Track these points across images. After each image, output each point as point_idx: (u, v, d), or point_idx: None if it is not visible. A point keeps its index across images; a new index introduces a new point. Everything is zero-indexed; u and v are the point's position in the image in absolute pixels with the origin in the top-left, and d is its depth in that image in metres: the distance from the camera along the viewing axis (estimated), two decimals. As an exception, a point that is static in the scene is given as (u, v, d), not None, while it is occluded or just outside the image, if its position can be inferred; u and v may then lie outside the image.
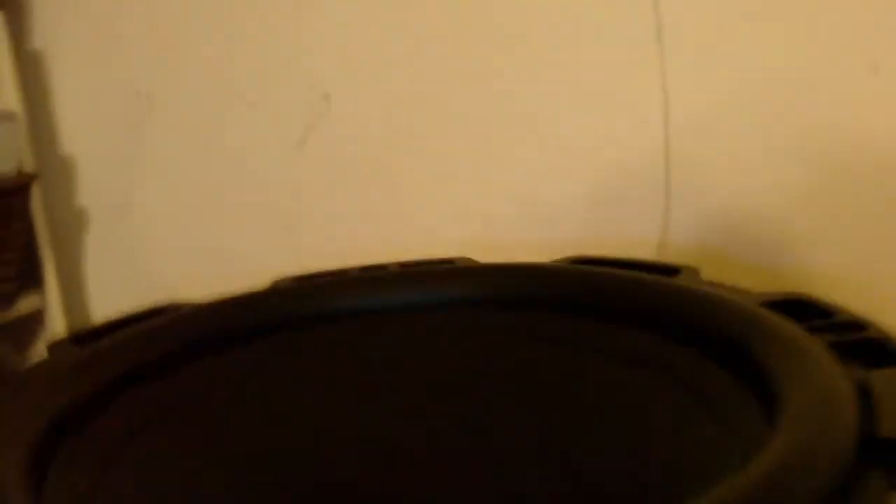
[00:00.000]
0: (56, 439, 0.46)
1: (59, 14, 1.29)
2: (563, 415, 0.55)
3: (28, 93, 1.27)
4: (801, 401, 0.41)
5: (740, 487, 0.35)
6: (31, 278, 1.29)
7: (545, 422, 0.55)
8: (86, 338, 0.57)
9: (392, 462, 0.55)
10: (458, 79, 1.05)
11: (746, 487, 0.35)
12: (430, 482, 0.54)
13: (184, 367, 0.55)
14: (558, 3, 0.97)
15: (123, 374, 0.52)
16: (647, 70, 0.93)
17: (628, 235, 0.96)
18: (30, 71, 1.29)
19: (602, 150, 0.97)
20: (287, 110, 1.15)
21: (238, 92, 1.18)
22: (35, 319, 1.29)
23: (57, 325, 1.30)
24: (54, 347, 0.57)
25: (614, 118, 0.96)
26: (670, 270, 0.59)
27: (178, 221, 1.28)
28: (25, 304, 1.27)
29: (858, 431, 0.39)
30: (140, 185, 1.29)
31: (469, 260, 0.65)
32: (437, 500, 0.53)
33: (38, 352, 1.28)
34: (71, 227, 1.34)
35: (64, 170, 1.33)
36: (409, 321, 0.60)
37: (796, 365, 0.44)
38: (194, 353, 0.56)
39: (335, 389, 0.58)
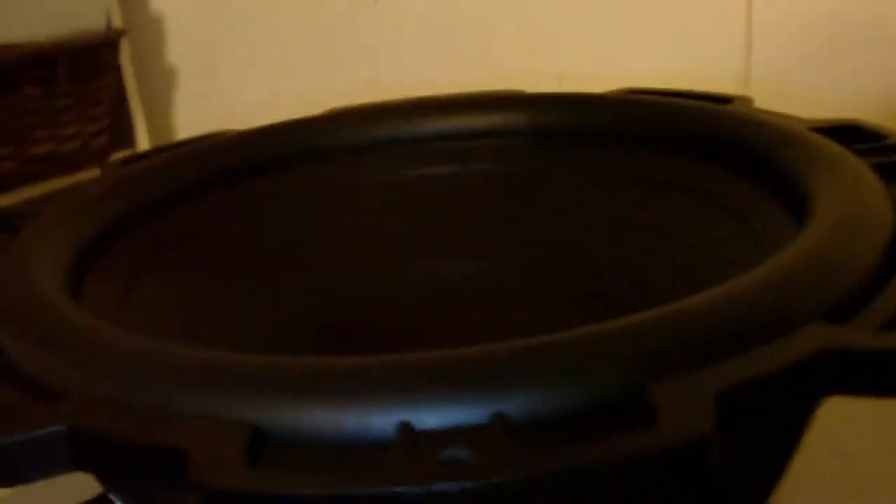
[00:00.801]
0: (91, 253, 0.47)
1: None
2: (589, 237, 0.54)
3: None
4: (830, 210, 0.39)
5: (747, 283, 0.34)
6: (121, 133, 1.32)
7: (570, 244, 0.54)
8: (134, 160, 0.58)
9: (414, 292, 0.55)
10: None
11: (757, 283, 0.34)
12: (453, 311, 0.54)
13: (217, 191, 0.55)
14: None
15: (157, 195, 0.53)
16: None
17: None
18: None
19: None
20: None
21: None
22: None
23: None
24: (105, 168, 0.58)
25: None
26: (723, 100, 0.57)
27: (263, 77, 1.29)
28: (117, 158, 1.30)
29: (890, 240, 0.37)
30: (227, 42, 1.30)
31: (520, 92, 0.63)
32: (461, 325, 0.53)
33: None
34: (160, 83, 1.36)
35: (152, 26, 1.34)
36: (449, 151, 0.59)
37: (833, 180, 0.42)
38: (231, 177, 0.56)
39: (361, 221, 0.58)
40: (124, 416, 0.30)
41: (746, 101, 0.57)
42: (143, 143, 1.32)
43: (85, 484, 0.34)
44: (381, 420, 0.29)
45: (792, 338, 0.31)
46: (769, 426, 0.35)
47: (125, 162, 0.57)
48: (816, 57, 0.85)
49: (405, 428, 0.28)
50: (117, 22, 1.28)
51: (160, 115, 1.37)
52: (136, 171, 0.54)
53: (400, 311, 0.54)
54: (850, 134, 0.50)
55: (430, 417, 0.29)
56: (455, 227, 0.57)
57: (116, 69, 1.28)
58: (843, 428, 0.48)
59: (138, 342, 0.34)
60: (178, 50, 1.34)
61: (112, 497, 0.35)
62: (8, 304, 0.39)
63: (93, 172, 1.21)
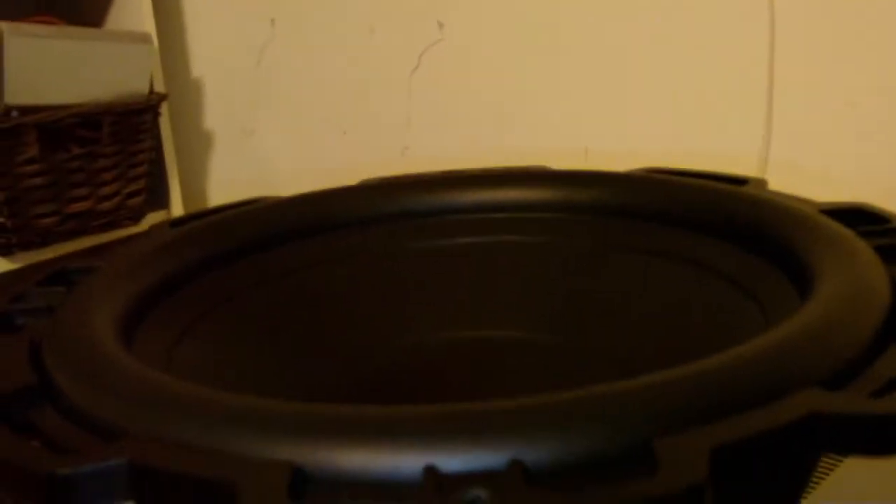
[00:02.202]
0: (142, 308, 0.51)
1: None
2: (607, 304, 0.57)
3: (161, 16, 1.34)
4: (831, 286, 0.42)
5: (750, 352, 0.37)
6: (157, 195, 1.37)
7: (591, 311, 0.57)
8: (182, 222, 0.62)
9: (443, 352, 0.58)
10: (569, 6, 1.06)
11: (757, 352, 0.37)
12: (481, 372, 0.57)
13: (258, 254, 0.59)
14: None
15: (202, 256, 0.57)
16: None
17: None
18: (164, -4, 1.36)
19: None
20: (402, 37, 1.18)
21: (357, 18, 1.22)
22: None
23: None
24: (154, 228, 0.62)
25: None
26: (738, 181, 0.60)
27: (298, 144, 1.33)
28: (152, 220, 1.35)
29: (887, 315, 0.40)
30: (264, 109, 1.35)
31: (545, 168, 0.67)
32: (485, 382, 0.56)
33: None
34: (197, 146, 1.41)
35: (192, 91, 1.39)
36: (479, 222, 0.63)
37: (835, 259, 0.45)
38: (271, 242, 0.60)
39: (399, 284, 0.61)
40: (178, 453, 0.33)
41: (761, 182, 0.60)
42: (177, 203, 1.37)
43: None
44: (409, 463, 0.32)
45: (785, 402, 0.34)
46: (768, 480, 0.37)
47: (174, 223, 0.61)
48: (834, 140, 0.89)
49: (431, 471, 0.32)
50: (160, 86, 1.33)
51: (195, 177, 1.42)
52: (183, 234, 0.58)
53: (429, 368, 0.57)
54: (856, 217, 0.53)
55: (453, 462, 0.32)
56: (483, 294, 0.61)
57: (156, 131, 1.33)
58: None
59: (190, 387, 0.37)
60: (216, 114, 1.40)
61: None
62: (68, 353, 0.42)
63: (127, 231, 1.26)
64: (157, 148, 1.35)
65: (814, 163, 0.89)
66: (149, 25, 1.31)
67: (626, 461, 0.32)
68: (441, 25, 1.14)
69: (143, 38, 1.29)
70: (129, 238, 1.31)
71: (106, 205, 1.29)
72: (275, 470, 0.32)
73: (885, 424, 0.33)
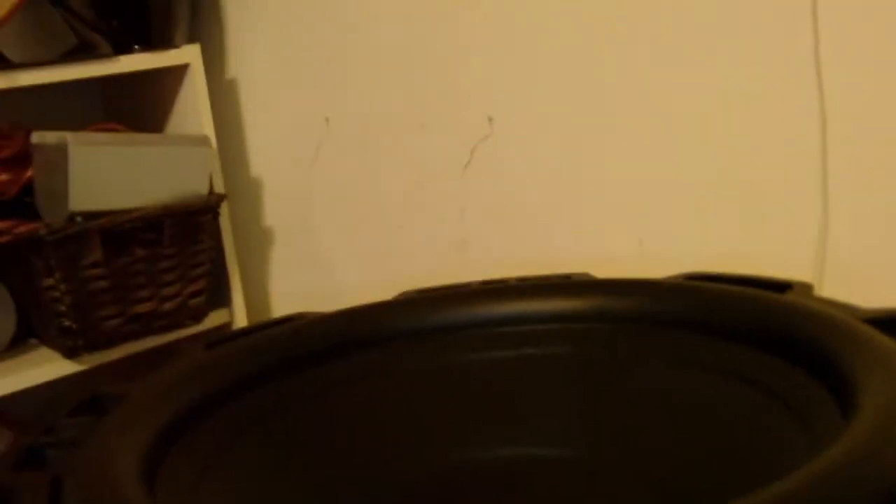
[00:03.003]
0: (169, 438, 0.51)
1: (251, 46, 1.39)
2: (649, 422, 0.55)
3: (219, 118, 1.37)
4: (876, 407, 0.40)
5: (797, 483, 0.35)
6: (219, 294, 1.38)
7: (633, 429, 0.55)
8: (218, 343, 0.62)
9: (474, 474, 0.57)
10: (617, 99, 1.05)
11: (801, 485, 0.35)
12: (509, 495, 0.55)
13: (289, 376, 0.59)
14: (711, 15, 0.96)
15: (237, 379, 0.57)
16: (802, 72, 0.90)
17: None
18: (223, 98, 1.39)
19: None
20: (454, 132, 1.19)
21: (409, 114, 1.23)
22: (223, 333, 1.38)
23: (243, 336, 1.38)
24: (189, 350, 0.62)
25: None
26: (781, 287, 0.58)
27: (355, 239, 1.34)
28: (214, 318, 1.36)
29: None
30: (320, 205, 1.36)
31: (586, 275, 0.66)
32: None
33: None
34: (256, 244, 1.43)
35: (251, 191, 1.42)
36: (510, 335, 0.62)
37: (879, 373, 0.43)
38: (308, 361, 0.60)
39: (426, 402, 0.60)
40: None
41: (806, 287, 0.58)
42: (238, 301, 1.38)
43: None
44: None
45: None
46: None
47: (209, 345, 0.61)
48: (892, 243, 0.86)
49: None
50: (219, 187, 1.35)
51: (256, 275, 1.44)
52: (213, 357, 0.58)
53: (458, 491, 0.56)
54: (900, 325, 0.51)
55: None
56: (511, 410, 0.59)
57: (216, 232, 1.35)
58: None
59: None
60: (275, 213, 1.41)
61: None
62: (87, 495, 0.42)
63: (189, 331, 1.27)
64: (218, 248, 1.37)
65: (872, 265, 0.86)
66: (207, 128, 1.34)
67: None
68: (491, 120, 1.14)
69: (202, 141, 1.32)
70: (190, 337, 1.33)
71: (168, 305, 1.31)
72: None
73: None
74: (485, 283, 0.66)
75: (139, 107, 1.47)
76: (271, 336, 0.60)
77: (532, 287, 0.63)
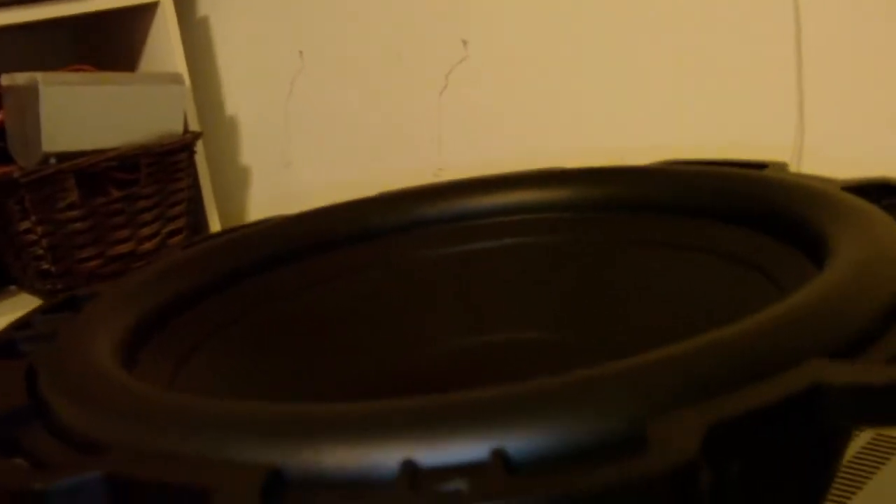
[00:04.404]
0: (148, 331, 0.51)
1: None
2: (620, 304, 0.55)
3: (192, 56, 1.35)
4: (846, 256, 0.40)
5: (752, 325, 0.35)
6: (198, 233, 1.38)
7: (611, 313, 0.55)
8: (196, 244, 0.61)
9: (459, 359, 0.57)
10: (591, 18, 1.04)
11: (759, 325, 0.35)
12: (492, 377, 0.55)
13: (267, 272, 0.58)
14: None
15: (216, 274, 0.56)
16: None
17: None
18: (195, 36, 1.37)
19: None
20: (429, 58, 1.18)
21: (383, 43, 1.22)
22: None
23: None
24: (167, 250, 0.61)
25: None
26: (757, 166, 0.58)
27: (333, 172, 1.33)
28: (195, 256, 1.36)
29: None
30: (297, 140, 1.35)
31: (559, 168, 0.65)
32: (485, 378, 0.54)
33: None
34: (234, 182, 1.42)
35: (227, 128, 1.40)
36: (488, 227, 0.61)
37: (853, 230, 0.43)
38: (281, 259, 0.59)
39: (409, 294, 0.60)
40: (153, 463, 0.32)
41: (781, 165, 0.58)
42: (220, 239, 1.37)
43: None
44: (386, 459, 0.30)
45: (788, 374, 0.32)
46: (779, 458, 0.35)
47: (186, 246, 0.60)
48: (868, 122, 0.86)
49: (408, 466, 0.30)
50: (194, 125, 1.34)
51: (234, 212, 1.43)
52: (192, 255, 0.57)
53: (440, 375, 0.56)
54: (881, 191, 0.50)
55: (432, 456, 0.30)
56: (494, 298, 0.59)
57: (193, 170, 1.34)
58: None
59: (171, 397, 0.36)
60: (252, 149, 1.40)
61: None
62: (62, 373, 0.42)
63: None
64: (195, 186, 1.36)
65: (848, 149, 0.86)
66: (180, 66, 1.33)
67: (618, 447, 0.30)
68: (465, 43, 1.14)
69: (175, 79, 1.31)
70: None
71: (147, 245, 1.30)
72: (249, 473, 0.30)
73: (892, 392, 0.30)
74: (456, 180, 0.65)
75: (111, 48, 1.45)
76: (249, 234, 0.59)
77: (508, 179, 0.63)
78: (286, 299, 0.58)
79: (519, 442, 0.30)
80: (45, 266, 1.25)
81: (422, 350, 0.57)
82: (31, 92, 1.19)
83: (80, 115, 1.23)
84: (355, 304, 0.59)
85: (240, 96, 1.41)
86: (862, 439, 0.63)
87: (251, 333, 0.55)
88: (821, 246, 0.45)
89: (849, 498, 0.57)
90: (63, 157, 1.22)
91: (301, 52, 1.31)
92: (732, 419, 0.30)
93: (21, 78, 1.22)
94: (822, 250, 0.45)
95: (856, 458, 0.61)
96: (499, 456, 0.30)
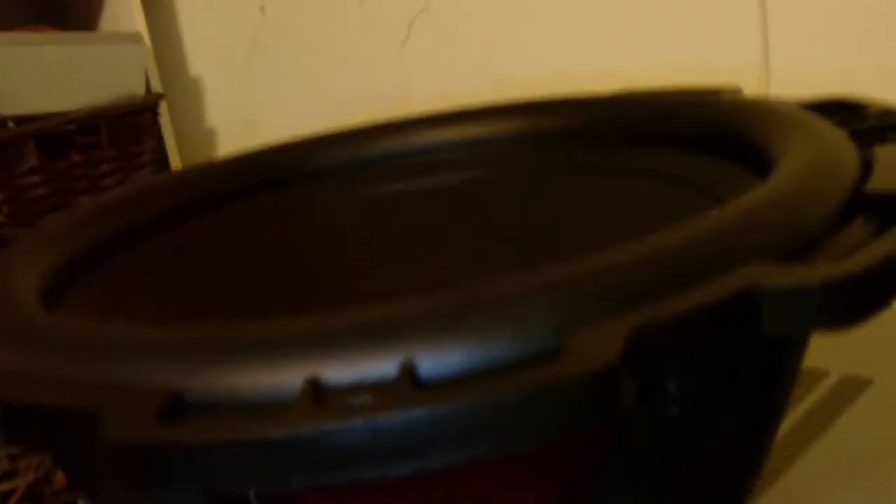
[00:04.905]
0: (75, 268, 0.48)
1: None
2: (562, 233, 0.54)
3: (152, 15, 1.33)
4: (790, 165, 0.39)
5: (678, 231, 0.33)
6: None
7: (550, 243, 0.54)
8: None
9: (399, 283, 0.55)
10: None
11: (691, 232, 0.33)
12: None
13: (206, 213, 0.56)
14: None
15: (156, 213, 0.54)
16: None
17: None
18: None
19: None
20: (391, 6, 1.15)
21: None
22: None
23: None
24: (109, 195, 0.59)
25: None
26: (709, 93, 0.56)
27: (299, 130, 1.31)
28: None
29: (848, 191, 0.36)
30: (262, 97, 1.33)
31: (509, 100, 0.63)
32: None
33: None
34: (200, 143, 1.39)
35: (190, 89, 1.38)
36: (426, 164, 0.60)
37: (800, 142, 0.41)
38: (219, 200, 0.57)
39: (343, 235, 0.58)
40: (44, 387, 0.30)
41: (733, 90, 0.56)
42: (186, 202, 1.35)
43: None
44: (289, 378, 0.28)
45: (721, 279, 0.30)
46: (726, 378, 0.34)
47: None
48: (834, 42, 0.84)
49: (312, 384, 0.28)
50: (156, 86, 1.31)
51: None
52: (134, 192, 0.55)
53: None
54: (838, 109, 0.49)
55: (338, 373, 0.28)
56: (429, 238, 0.58)
57: (157, 133, 1.31)
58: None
59: (67, 323, 0.34)
60: (216, 108, 1.38)
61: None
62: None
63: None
64: (160, 148, 1.33)
65: (815, 70, 0.84)
66: (140, 25, 1.30)
67: (534, 360, 0.28)
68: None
69: (134, 38, 1.28)
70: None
71: (111, 209, 1.27)
72: (144, 394, 0.28)
73: (829, 292, 0.29)
74: (394, 119, 0.64)
75: (69, 8, 1.42)
76: (188, 175, 0.57)
77: (450, 115, 0.61)
78: (216, 241, 0.57)
79: (429, 357, 0.28)
80: (6, 233, 1.22)
81: (366, 284, 0.56)
82: (-14, 53, 1.16)
83: (37, 76, 1.20)
84: (289, 244, 0.58)
85: (202, 56, 1.38)
86: (825, 385, 0.62)
87: (185, 274, 0.53)
88: (770, 162, 0.43)
89: (811, 442, 0.56)
90: (20, 120, 1.19)
91: (262, 7, 1.28)
92: (657, 325, 0.28)
93: (-26, 40, 1.19)
94: (771, 166, 0.43)
95: (819, 403, 0.60)
96: (407, 371, 0.28)
